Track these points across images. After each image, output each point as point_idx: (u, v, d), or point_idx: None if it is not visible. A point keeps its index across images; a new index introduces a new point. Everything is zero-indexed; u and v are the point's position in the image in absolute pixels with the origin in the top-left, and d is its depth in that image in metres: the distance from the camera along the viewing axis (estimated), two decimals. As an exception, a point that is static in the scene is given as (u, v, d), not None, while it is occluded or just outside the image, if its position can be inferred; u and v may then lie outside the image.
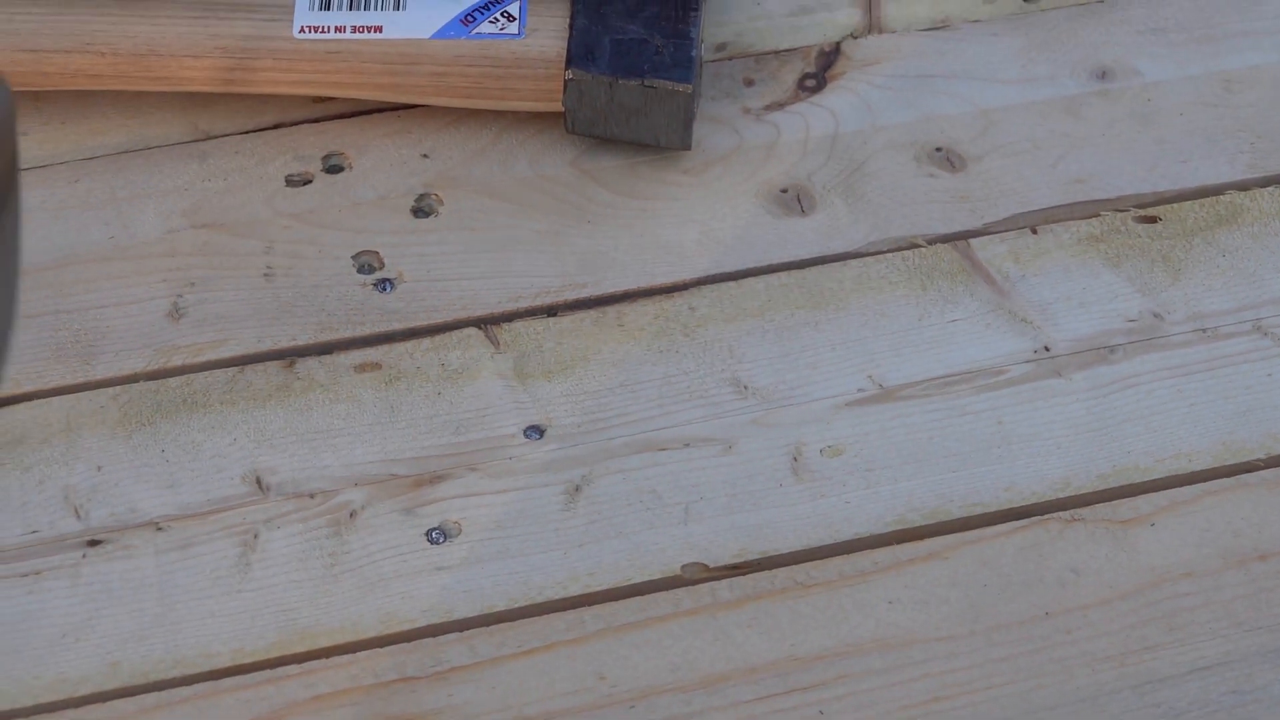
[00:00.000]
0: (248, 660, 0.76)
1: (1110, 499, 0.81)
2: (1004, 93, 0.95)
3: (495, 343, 0.86)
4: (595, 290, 0.88)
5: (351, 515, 0.80)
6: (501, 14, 0.90)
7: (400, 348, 0.86)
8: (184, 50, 0.89)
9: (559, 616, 0.78)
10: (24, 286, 0.85)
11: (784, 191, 0.91)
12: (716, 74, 0.95)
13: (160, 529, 0.80)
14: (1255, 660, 0.77)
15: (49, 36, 0.89)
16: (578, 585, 0.79)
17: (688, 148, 0.91)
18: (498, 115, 0.92)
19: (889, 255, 0.89)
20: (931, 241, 0.89)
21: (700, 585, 0.79)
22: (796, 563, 0.79)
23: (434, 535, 0.80)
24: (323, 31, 0.89)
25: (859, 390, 0.84)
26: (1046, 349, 0.86)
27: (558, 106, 0.90)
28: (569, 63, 0.88)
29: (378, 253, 0.89)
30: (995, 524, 0.80)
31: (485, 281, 0.88)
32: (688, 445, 0.83)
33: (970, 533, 0.80)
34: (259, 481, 0.81)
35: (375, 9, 0.90)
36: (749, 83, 0.95)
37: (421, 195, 0.91)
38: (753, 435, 0.83)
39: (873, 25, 0.97)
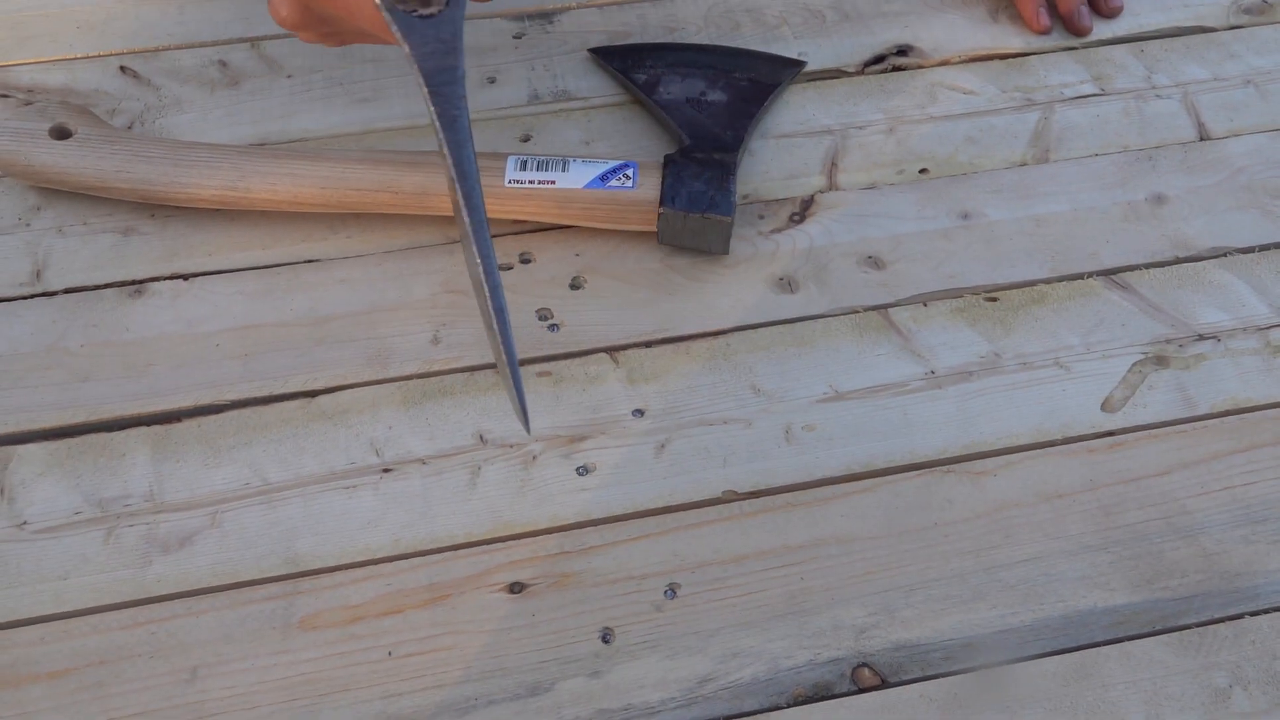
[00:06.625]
0: (475, 540, 0.78)
1: (970, 460, 0.82)
2: (907, 225, 0.96)
3: (616, 362, 0.87)
4: (674, 333, 0.89)
5: (534, 458, 0.82)
6: (623, 174, 0.91)
7: (562, 363, 0.87)
8: (441, 192, 0.90)
9: (651, 519, 0.79)
10: (347, 324, 0.88)
11: (781, 279, 0.92)
12: (743, 211, 0.96)
13: (425, 463, 0.81)
14: (1057, 556, 0.78)
15: (367, 180, 0.90)
16: (662, 502, 0.80)
17: (726, 253, 0.92)
18: (619, 232, 0.94)
19: (841, 317, 0.90)
20: (865, 310, 0.90)
21: (733, 503, 0.80)
22: (789, 492, 0.80)
23: (580, 470, 0.81)
24: (521, 182, 0.90)
25: (824, 393, 0.85)
26: (933, 373, 0.87)
27: (653, 228, 0.91)
28: (661, 203, 0.89)
29: (550, 309, 0.90)
30: (903, 473, 0.82)
31: (611, 327, 0.89)
32: (726, 422, 0.84)
33: (889, 477, 0.81)
34: (481, 437, 0.83)
35: (552, 170, 0.90)
36: (761, 216, 0.96)
37: (575, 276, 0.92)
38: (763, 418, 0.84)
39: (832, 185, 0.98)
